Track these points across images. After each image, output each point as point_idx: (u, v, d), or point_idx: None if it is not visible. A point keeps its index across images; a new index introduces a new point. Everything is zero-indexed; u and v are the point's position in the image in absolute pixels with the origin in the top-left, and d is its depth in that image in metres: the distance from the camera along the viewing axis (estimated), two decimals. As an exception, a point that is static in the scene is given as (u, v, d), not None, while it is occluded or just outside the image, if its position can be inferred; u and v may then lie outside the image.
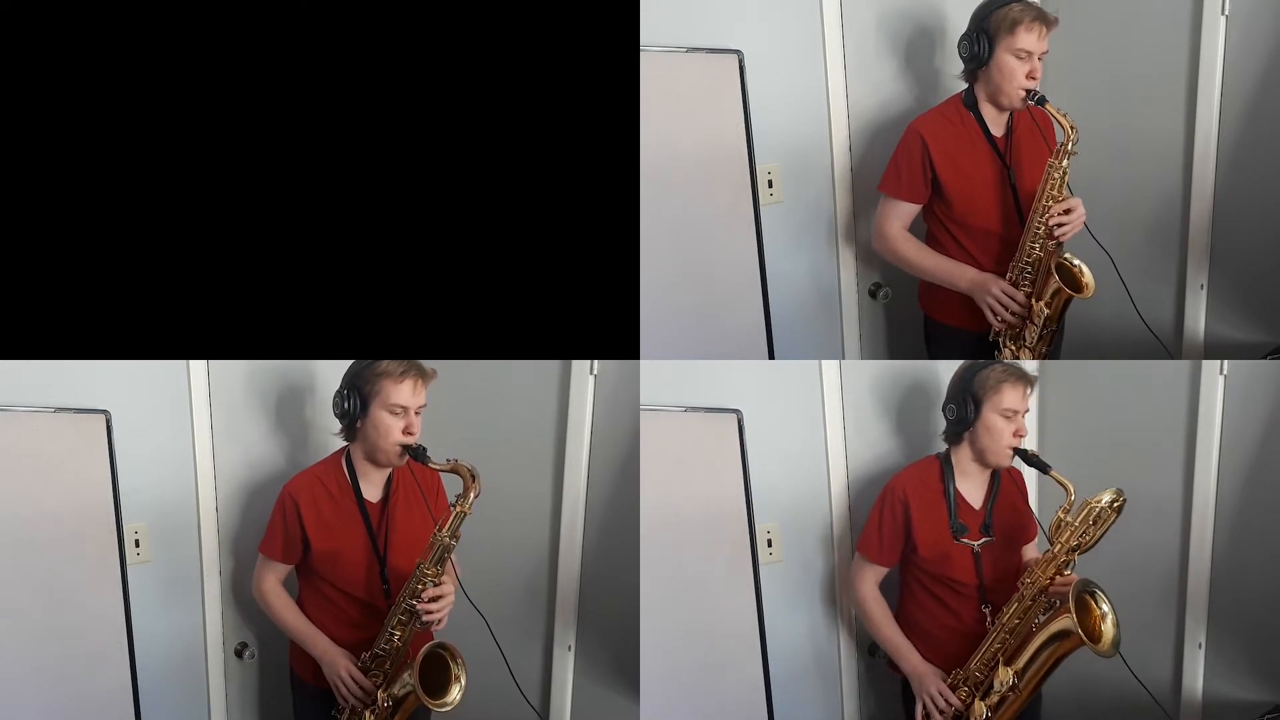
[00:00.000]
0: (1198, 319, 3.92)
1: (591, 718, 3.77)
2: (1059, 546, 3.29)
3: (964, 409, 3.43)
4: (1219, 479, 3.76)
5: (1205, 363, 3.75)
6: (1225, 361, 3.73)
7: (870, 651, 3.74)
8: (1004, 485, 3.51)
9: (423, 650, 3.33)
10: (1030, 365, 3.55)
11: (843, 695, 3.74)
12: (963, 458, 3.49)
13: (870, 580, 3.53)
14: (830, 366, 3.67)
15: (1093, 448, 3.48)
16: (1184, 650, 3.81)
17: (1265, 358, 3.82)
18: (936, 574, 3.46)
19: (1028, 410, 3.46)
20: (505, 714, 3.65)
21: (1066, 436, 3.55)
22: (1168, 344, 3.90)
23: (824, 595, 3.70)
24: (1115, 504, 3.28)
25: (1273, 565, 3.78)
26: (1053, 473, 3.34)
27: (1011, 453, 3.43)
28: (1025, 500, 3.56)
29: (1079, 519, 3.28)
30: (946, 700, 3.39)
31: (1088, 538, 3.28)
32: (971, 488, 3.49)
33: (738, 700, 3.61)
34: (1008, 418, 3.41)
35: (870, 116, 3.78)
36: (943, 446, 3.56)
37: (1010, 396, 3.40)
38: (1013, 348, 3.57)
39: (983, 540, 3.46)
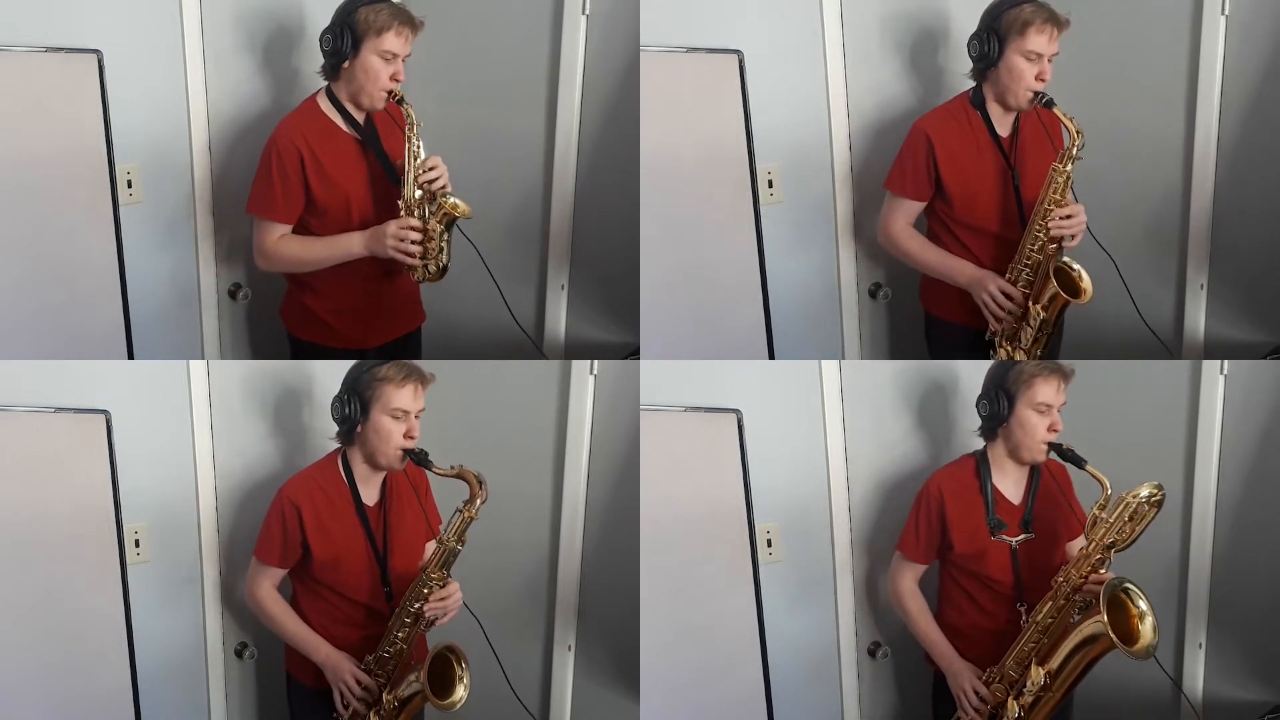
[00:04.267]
0: (1198, 319, 3.92)
1: (591, 718, 3.77)
2: (1093, 544, 3.26)
3: (996, 404, 3.40)
4: (1219, 479, 3.76)
5: (1205, 363, 3.75)
6: (1225, 361, 3.73)
7: (870, 652, 3.74)
8: (1044, 481, 3.47)
9: (432, 651, 3.33)
10: (1066, 361, 3.48)
11: (843, 695, 3.73)
12: (998, 454, 3.46)
13: (909, 577, 3.52)
14: (830, 366, 3.67)
15: (1093, 448, 3.47)
16: (1184, 650, 3.81)
17: (1265, 358, 3.82)
18: (973, 571, 3.45)
19: (1064, 404, 3.41)
20: (505, 715, 3.65)
21: (1067, 436, 3.54)
22: (1168, 344, 3.90)
23: (824, 595, 3.70)
24: (1154, 499, 3.23)
25: (1273, 565, 3.78)
26: (1088, 467, 3.30)
27: (1046, 448, 3.39)
28: (1068, 495, 3.50)
29: (1115, 515, 3.24)
30: (980, 696, 3.39)
31: (1124, 535, 3.24)
32: (1009, 484, 3.47)
33: (738, 700, 3.61)
34: (1041, 412, 3.37)
35: (871, 116, 3.78)
36: (947, 443, 3.57)
37: (1044, 390, 3.36)
38: (1008, 348, 3.56)
39: (1021, 537, 3.43)
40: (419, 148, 3.43)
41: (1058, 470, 3.48)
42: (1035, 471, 3.47)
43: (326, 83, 3.50)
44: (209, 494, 3.60)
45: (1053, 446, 3.39)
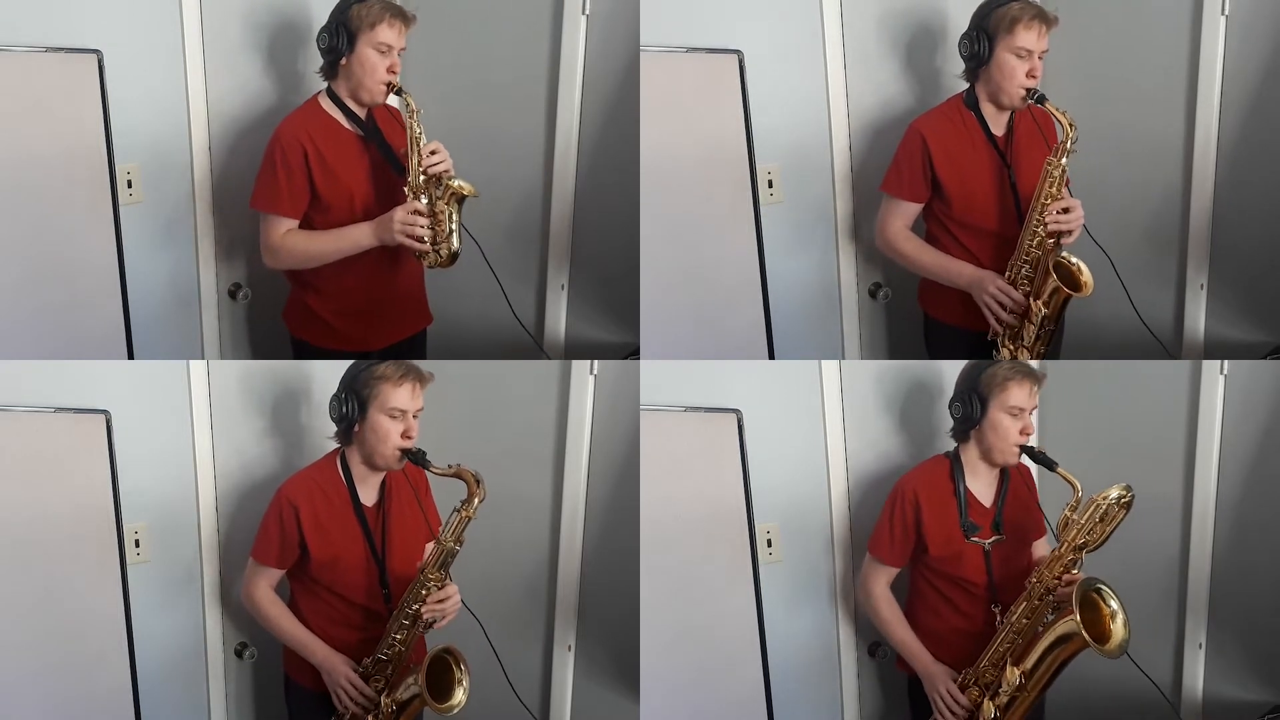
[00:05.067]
0: (1198, 319, 3.92)
1: (591, 718, 3.77)
2: (1065, 545, 3.28)
3: (970, 407, 3.41)
4: (1219, 479, 3.76)
5: (1205, 363, 3.75)
6: (1225, 361, 3.73)
7: (870, 652, 3.74)
8: (1013, 482, 3.50)
9: (429, 654, 3.33)
10: (1035, 363, 3.53)
11: (843, 695, 3.74)
12: (971, 456, 3.47)
13: (882, 581, 3.52)
14: (830, 366, 3.67)
15: (1093, 448, 3.48)
16: (1184, 650, 3.81)
17: (1265, 358, 3.82)
18: (947, 574, 3.46)
19: (1035, 408, 3.44)
20: (505, 716, 3.65)
21: (1066, 436, 3.56)
22: (1167, 344, 3.90)
23: (824, 595, 3.70)
24: (1123, 500, 3.26)
25: (1273, 565, 3.78)
26: (1059, 470, 3.32)
27: (1018, 451, 3.41)
28: (1034, 497, 3.54)
29: (1085, 516, 3.27)
30: (956, 700, 3.39)
31: (1095, 536, 3.27)
32: (981, 485, 3.49)
33: (738, 700, 3.61)
34: (1014, 415, 3.39)
35: (871, 116, 3.78)
36: (945, 445, 3.56)
37: (1017, 394, 3.38)
38: (1011, 347, 3.57)
39: (993, 539, 3.45)
40: (421, 134, 3.45)
41: (1025, 472, 3.51)
42: (1005, 473, 3.49)
43: (326, 84, 3.51)
44: (209, 494, 3.59)
45: (1024, 449, 3.40)
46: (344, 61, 3.46)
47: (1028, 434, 3.41)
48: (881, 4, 3.76)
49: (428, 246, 3.46)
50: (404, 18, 3.46)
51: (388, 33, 3.43)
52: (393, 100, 3.51)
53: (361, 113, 3.51)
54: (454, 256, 3.49)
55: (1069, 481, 3.28)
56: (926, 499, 3.46)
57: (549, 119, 3.84)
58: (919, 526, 3.45)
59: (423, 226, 3.44)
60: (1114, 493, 3.26)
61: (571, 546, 3.74)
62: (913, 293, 3.78)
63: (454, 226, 3.47)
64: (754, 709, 3.61)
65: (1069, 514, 3.28)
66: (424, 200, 3.45)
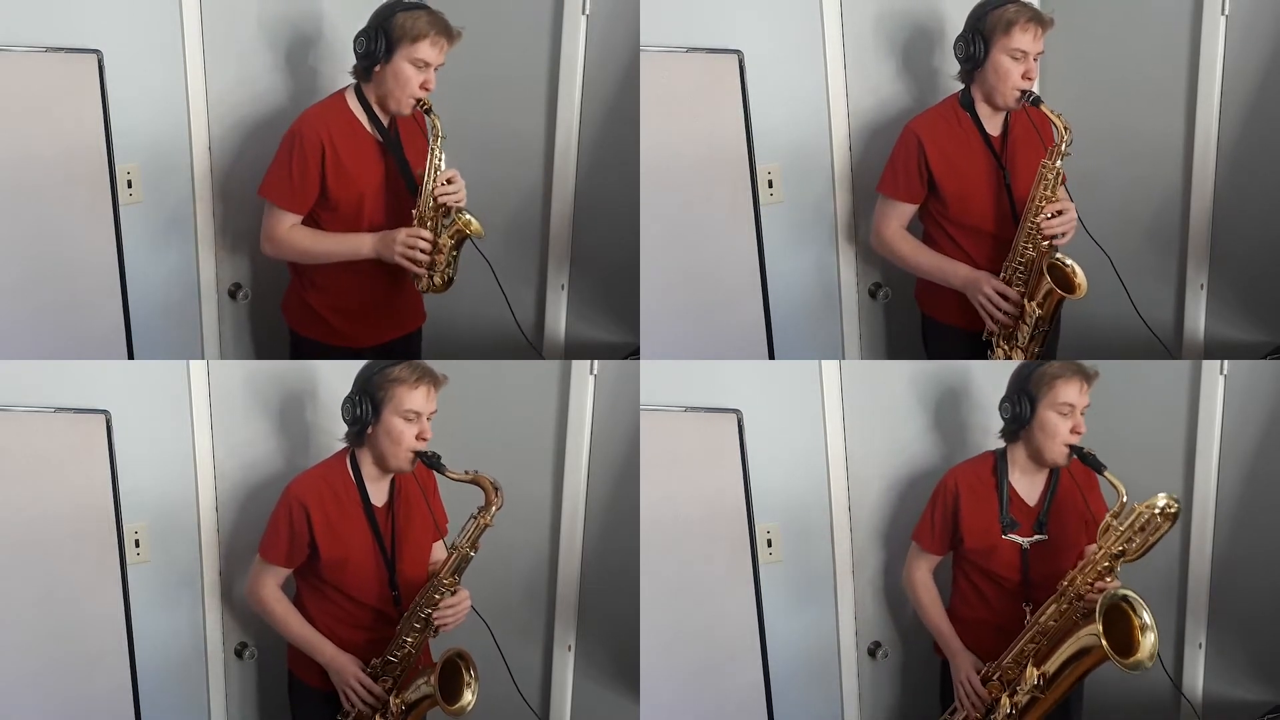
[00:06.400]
0: (1198, 319, 3.92)
1: (591, 718, 3.77)
2: (1100, 552, 3.24)
3: (1019, 406, 3.39)
4: (1219, 479, 3.76)
5: (1205, 363, 3.75)
6: (1225, 361, 3.73)
7: (870, 652, 3.74)
8: (1064, 484, 3.46)
9: (442, 656, 3.33)
10: (1088, 361, 3.45)
11: (843, 695, 3.74)
12: (1019, 454, 3.46)
13: (923, 567, 3.55)
14: (830, 366, 3.67)
15: (1093, 447, 3.47)
16: (1184, 650, 3.81)
17: (1265, 358, 3.82)
18: (982, 567, 3.46)
19: (1088, 406, 3.39)
20: (506, 715, 3.65)
21: (1066, 436, 3.55)
22: (1168, 344, 3.90)
23: (824, 595, 3.70)
24: (1168, 511, 3.18)
25: (1273, 565, 3.78)
26: (1108, 474, 3.27)
27: (1068, 451, 3.37)
28: (1089, 498, 3.46)
29: (1125, 524, 3.22)
30: (975, 689, 3.39)
31: (1132, 545, 3.21)
32: (1028, 484, 3.47)
33: (738, 700, 3.61)
34: (1063, 414, 3.36)
35: (870, 116, 3.79)
36: (947, 443, 3.56)
37: (1065, 391, 3.35)
38: (1005, 348, 3.57)
39: (1035, 538, 3.44)
40: (441, 160, 3.43)
41: (1080, 472, 3.44)
42: (1055, 473, 3.46)
43: (355, 81, 3.50)
44: (209, 494, 3.59)
45: (1074, 450, 3.37)
46: (378, 69, 3.43)
47: (1078, 433, 3.37)
48: (881, 4, 3.76)
49: (424, 271, 3.45)
50: (449, 35, 3.40)
51: (429, 50, 3.39)
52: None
53: (385, 119, 3.50)
54: (448, 283, 3.48)
55: (1115, 486, 3.22)
56: (966, 491, 3.46)
57: (549, 119, 3.84)
58: (956, 517, 3.46)
59: (424, 251, 3.43)
60: (1160, 502, 3.19)
61: (571, 546, 3.74)
62: (912, 292, 3.78)
63: (452, 258, 3.46)
64: (754, 709, 3.61)
65: (1110, 520, 3.23)
66: (429, 227, 3.44)
